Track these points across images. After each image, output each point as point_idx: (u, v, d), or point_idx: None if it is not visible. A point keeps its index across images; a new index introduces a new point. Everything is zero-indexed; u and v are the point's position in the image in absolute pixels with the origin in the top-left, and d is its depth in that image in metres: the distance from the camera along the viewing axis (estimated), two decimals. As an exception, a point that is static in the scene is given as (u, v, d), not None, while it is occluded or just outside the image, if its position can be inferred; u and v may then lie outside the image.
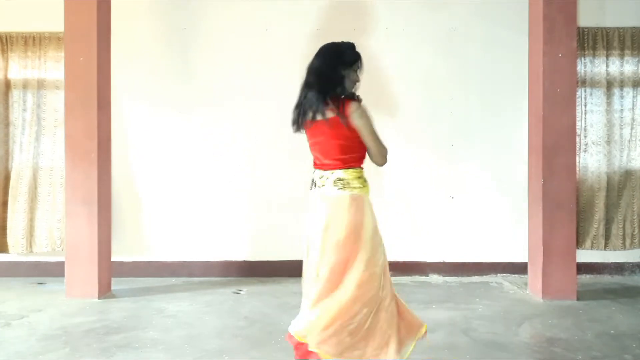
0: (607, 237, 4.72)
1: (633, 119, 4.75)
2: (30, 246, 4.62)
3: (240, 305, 3.98)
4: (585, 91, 4.73)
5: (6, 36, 4.64)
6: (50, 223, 4.63)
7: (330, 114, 2.47)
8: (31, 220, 4.62)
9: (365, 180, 2.55)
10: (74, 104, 4.07)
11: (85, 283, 4.06)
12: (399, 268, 4.61)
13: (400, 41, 4.77)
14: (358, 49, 2.72)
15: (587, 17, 4.71)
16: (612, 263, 4.82)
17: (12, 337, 3.31)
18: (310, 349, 2.33)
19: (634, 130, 4.75)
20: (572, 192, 4.10)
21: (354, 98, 2.56)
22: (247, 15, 4.76)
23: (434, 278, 4.75)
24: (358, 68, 2.61)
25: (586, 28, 4.71)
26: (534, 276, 4.17)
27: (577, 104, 4.28)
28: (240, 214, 4.77)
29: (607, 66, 4.73)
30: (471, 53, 4.79)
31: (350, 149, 2.51)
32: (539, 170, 4.08)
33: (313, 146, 2.58)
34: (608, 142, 4.73)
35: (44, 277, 4.66)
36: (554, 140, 4.05)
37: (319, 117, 2.50)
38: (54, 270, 4.60)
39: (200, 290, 4.37)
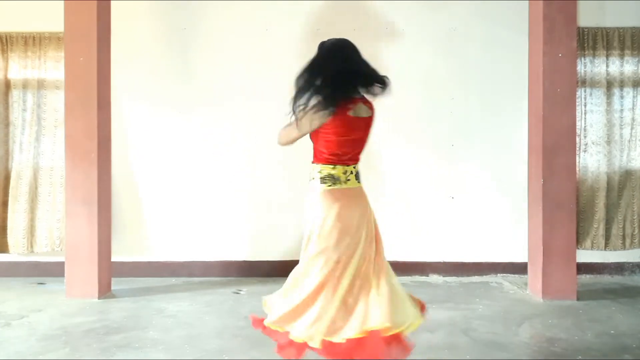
0: (607, 237, 4.72)
1: (633, 119, 4.75)
2: (31, 246, 4.62)
3: (240, 305, 3.98)
4: (585, 91, 4.73)
5: (6, 36, 4.64)
6: (50, 223, 4.63)
7: (370, 112, 2.62)
8: (32, 220, 4.62)
9: None
10: (74, 104, 4.07)
11: (85, 283, 4.06)
12: (399, 268, 4.58)
13: (400, 41, 4.77)
14: (358, 49, 2.79)
15: (587, 17, 4.71)
16: (612, 263, 4.82)
17: (12, 337, 3.31)
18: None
19: (634, 130, 4.75)
20: (572, 192, 4.10)
21: None
22: (247, 15, 4.76)
23: (434, 278, 4.75)
24: None
25: (586, 28, 4.71)
26: (534, 276, 4.17)
27: (577, 104, 4.28)
28: (240, 214, 4.77)
29: (607, 66, 4.73)
30: (471, 53, 4.79)
31: None
32: (539, 170, 4.08)
33: (345, 141, 2.51)
34: (608, 142, 4.73)
35: (44, 277, 4.66)
36: (554, 140, 4.05)
37: (364, 114, 2.57)
38: (54, 270, 4.60)
39: (200, 290, 4.37)
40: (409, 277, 4.72)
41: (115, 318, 3.66)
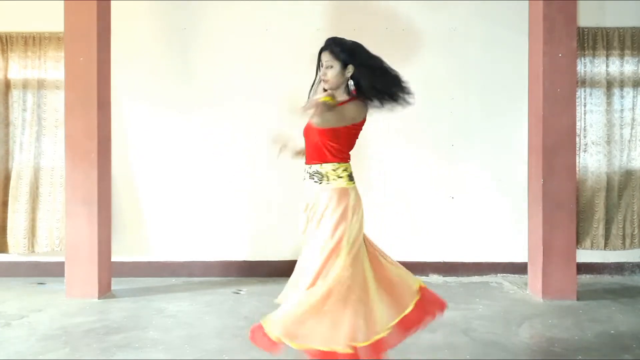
0: (607, 237, 4.72)
1: (633, 119, 4.75)
2: (32, 246, 4.62)
3: (240, 305, 3.98)
4: (585, 91, 4.73)
5: (6, 36, 4.64)
6: (50, 223, 4.63)
7: None
8: (33, 220, 4.62)
9: None
10: (74, 104, 4.07)
11: (85, 283, 4.06)
12: (399, 268, 4.60)
13: (400, 41, 4.77)
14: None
15: (587, 17, 4.71)
16: (612, 263, 4.82)
17: (12, 337, 3.31)
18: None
19: (634, 130, 4.75)
20: (572, 192, 4.10)
21: None
22: (247, 15, 4.76)
23: (434, 278, 4.75)
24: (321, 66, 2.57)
25: (586, 28, 4.71)
26: (534, 276, 4.17)
27: (577, 104, 4.28)
28: (240, 214, 4.77)
29: (607, 66, 4.73)
30: (471, 53, 4.79)
31: None
32: (539, 170, 4.08)
33: (355, 140, 2.58)
34: (608, 142, 4.73)
35: (44, 277, 4.66)
36: (554, 140, 4.05)
37: None
38: (54, 270, 4.60)
39: (200, 290, 4.37)
40: (409, 277, 4.71)
41: (115, 318, 3.66)
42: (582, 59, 4.71)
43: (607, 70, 4.73)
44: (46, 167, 4.66)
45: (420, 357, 2.99)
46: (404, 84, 2.68)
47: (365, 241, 2.54)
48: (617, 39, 4.72)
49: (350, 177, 2.50)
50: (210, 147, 4.77)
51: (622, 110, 4.75)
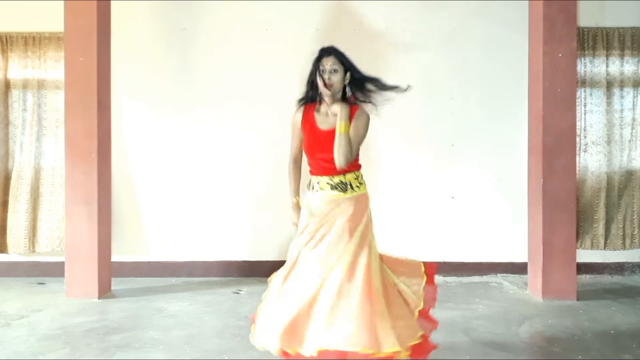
0: (607, 237, 4.72)
1: (633, 119, 4.75)
2: (33, 246, 4.62)
3: (240, 305, 3.98)
4: (585, 91, 4.73)
5: (6, 36, 4.64)
6: (51, 223, 4.64)
7: None
8: (33, 220, 4.62)
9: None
10: (74, 104, 4.07)
11: (85, 283, 4.06)
12: (399, 268, 4.60)
13: (400, 41, 4.77)
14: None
15: (587, 17, 4.71)
16: (612, 263, 4.83)
17: (12, 337, 3.31)
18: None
19: (634, 130, 4.75)
20: (572, 192, 4.10)
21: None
22: (247, 15, 4.76)
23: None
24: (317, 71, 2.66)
25: (586, 28, 4.71)
26: (534, 276, 4.17)
27: (577, 104, 4.29)
28: (240, 214, 4.77)
29: (607, 66, 4.73)
30: (471, 53, 4.79)
31: None
32: (539, 170, 4.08)
33: None
34: (608, 142, 4.73)
35: (44, 277, 4.66)
36: (554, 141, 4.05)
37: None
38: (54, 270, 4.60)
39: (200, 290, 4.37)
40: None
41: (115, 318, 3.66)
42: (582, 59, 4.71)
43: (607, 70, 4.73)
44: (47, 167, 4.67)
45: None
46: (385, 83, 2.82)
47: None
48: (617, 39, 4.73)
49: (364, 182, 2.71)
50: (210, 147, 4.77)
51: (622, 110, 4.75)
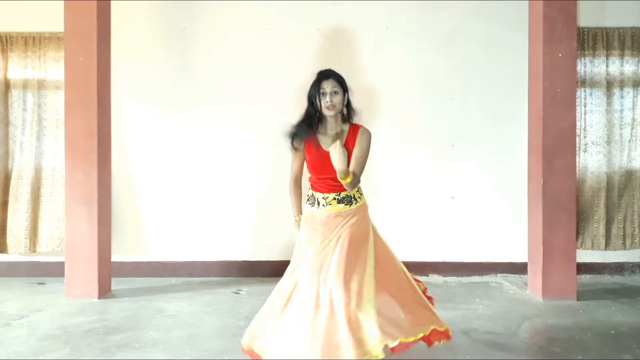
0: (607, 237, 4.72)
1: (633, 119, 4.75)
2: (34, 246, 4.62)
3: (240, 305, 3.98)
4: (585, 91, 4.73)
5: (6, 36, 4.64)
6: (51, 223, 4.64)
7: None
8: (34, 220, 4.62)
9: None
10: (74, 104, 4.07)
11: (85, 283, 4.06)
12: (399, 268, 4.60)
13: (400, 41, 4.77)
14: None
15: (587, 17, 4.71)
16: (612, 263, 4.83)
17: (12, 337, 3.31)
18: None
19: (634, 130, 4.75)
20: (572, 192, 4.10)
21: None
22: (247, 15, 4.76)
23: (434, 278, 4.75)
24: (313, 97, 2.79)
25: (586, 28, 4.72)
26: (534, 276, 4.17)
27: (577, 104, 4.29)
28: (240, 214, 4.77)
29: (607, 66, 4.73)
30: (471, 53, 4.79)
31: None
32: (539, 170, 4.08)
33: None
34: (608, 142, 4.73)
35: (44, 277, 4.66)
36: (554, 141, 4.05)
37: None
38: (54, 270, 4.60)
39: (200, 290, 4.37)
40: (409, 277, 4.72)
41: (115, 318, 3.66)
42: (582, 59, 4.71)
43: (607, 70, 4.73)
44: (47, 167, 4.67)
45: (420, 357, 2.99)
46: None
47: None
48: (617, 39, 4.73)
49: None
50: (210, 147, 4.77)
51: (622, 110, 4.75)
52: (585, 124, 4.74)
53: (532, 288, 4.22)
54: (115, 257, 4.43)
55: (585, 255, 4.71)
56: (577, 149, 4.58)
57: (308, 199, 2.85)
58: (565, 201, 4.06)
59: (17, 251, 4.62)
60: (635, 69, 4.76)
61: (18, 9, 4.67)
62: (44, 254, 4.68)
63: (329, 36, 4.71)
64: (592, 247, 4.71)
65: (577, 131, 4.57)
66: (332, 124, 2.78)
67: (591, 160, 4.74)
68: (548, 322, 3.60)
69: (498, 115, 4.78)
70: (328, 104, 2.71)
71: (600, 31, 4.72)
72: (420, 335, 2.67)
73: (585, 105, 4.73)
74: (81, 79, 4.06)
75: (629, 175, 4.75)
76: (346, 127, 2.79)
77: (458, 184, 4.80)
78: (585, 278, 4.70)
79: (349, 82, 2.91)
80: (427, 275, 4.76)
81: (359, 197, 2.80)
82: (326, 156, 2.66)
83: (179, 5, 4.75)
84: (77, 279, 4.07)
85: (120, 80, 4.65)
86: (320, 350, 2.38)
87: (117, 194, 4.62)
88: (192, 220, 4.76)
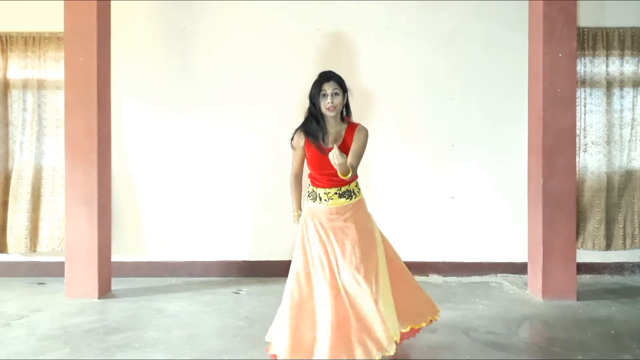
0: (607, 237, 4.72)
1: (633, 119, 4.75)
2: (34, 246, 4.62)
3: (240, 305, 3.98)
4: (585, 91, 4.73)
5: (6, 36, 4.64)
6: (52, 223, 4.64)
7: None
8: (35, 220, 4.62)
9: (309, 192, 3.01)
10: (74, 104, 4.07)
11: (85, 283, 4.06)
12: (399, 268, 4.60)
13: (400, 41, 4.77)
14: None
15: (587, 17, 4.71)
16: (612, 263, 4.83)
17: (12, 337, 3.31)
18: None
19: (634, 130, 4.75)
20: (572, 192, 4.10)
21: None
22: (247, 15, 4.76)
23: (434, 278, 4.75)
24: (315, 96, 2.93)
25: (586, 28, 4.72)
26: (534, 276, 4.17)
27: (577, 104, 4.29)
28: (240, 214, 4.77)
29: (607, 66, 4.73)
30: (471, 53, 4.79)
31: None
32: (539, 170, 4.08)
33: None
34: (608, 142, 4.73)
35: (44, 277, 4.66)
36: (554, 141, 4.05)
37: None
38: (54, 270, 4.60)
39: (200, 290, 4.37)
40: (409, 277, 4.72)
41: (115, 318, 3.67)
42: (582, 59, 4.71)
43: (607, 70, 4.72)
44: (47, 167, 4.67)
45: (420, 357, 2.99)
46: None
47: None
48: (617, 39, 4.72)
49: None
50: (210, 147, 4.77)
51: (622, 110, 4.75)
52: (585, 124, 4.74)
53: (532, 288, 4.22)
54: (115, 257, 4.43)
55: (585, 255, 4.71)
56: (577, 149, 4.58)
57: (309, 195, 2.97)
58: (565, 201, 4.06)
59: (17, 251, 4.62)
60: (635, 69, 4.76)
61: (18, 9, 4.67)
62: (44, 254, 4.68)
63: (329, 36, 4.72)
64: (594, 248, 4.71)
65: (577, 131, 4.57)
66: (332, 123, 2.92)
67: (591, 160, 4.74)
68: (548, 322, 3.60)
69: (498, 115, 4.78)
70: (329, 105, 2.85)
71: (600, 31, 4.72)
72: (424, 324, 3.00)
73: (585, 105, 4.73)
74: (81, 79, 4.06)
75: (629, 175, 4.75)
76: (345, 126, 2.94)
77: (458, 184, 4.80)
78: (585, 278, 4.70)
79: (348, 82, 3.01)
80: (427, 275, 4.76)
81: (357, 192, 2.96)
82: (326, 153, 2.80)
83: (179, 5, 4.75)
84: (77, 279, 4.07)
85: (120, 80, 4.65)
86: (348, 336, 2.60)
87: (117, 194, 4.62)
88: (192, 220, 4.76)
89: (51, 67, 4.65)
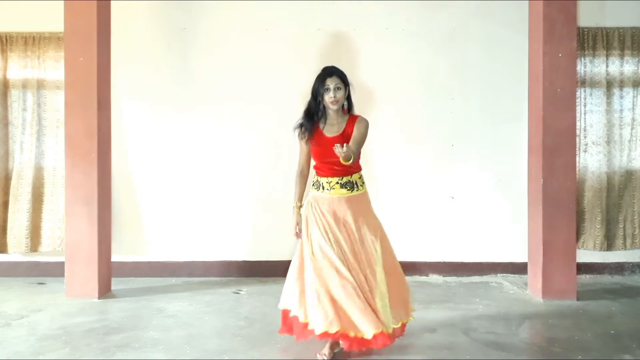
0: (607, 237, 4.71)
1: (633, 119, 4.75)
2: (35, 246, 4.62)
3: (240, 305, 3.98)
4: (585, 91, 4.73)
5: (6, 36, 4.64)
6: (52, 223, 4.64)
7: None
8: (35, 220, 4.62)
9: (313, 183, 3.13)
10: (74, 104, 4.07)
11: (85, 283, 4.06)
12: (399, 268, 4.60)
13: (400, 41, 4.77)
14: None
15: (587, 17, 4.71)
16: (612, 263, 4.83)
17: (12, 337, 3.31)
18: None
19: (634, 130, 4.75)
20: (572, 192, 4.10)
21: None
22: (247, 15, 4.76)
23: (434, 278, 4.75)
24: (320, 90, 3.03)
25: (586, 28, 4.72)
26: (534, 276, 4.17)
27: (577, 104, 4.29)
28: (240, 214, 4.77)
29: (607, 66, 4.73)
30: (471, 53, 4.79)
31: None
32: (539, 170, 4.08)
33: None
34: (608, 142, 4.73)
35: (44, 277, 4.66)
36: (554, 140, 4.05)
37: None
38: (54, 270, 4.60)
39: (200, 290, 4.37)
40: (409, 277, 4.68)
41: (115, 318, 3.67)
42: (582, 59, 4.71)
43: (607, 70, 4.72)
44: (48, 167, 4.67)
45: (420, 357, 2.99)
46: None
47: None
48: (617, 39, 4.72)
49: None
50: (210, 147, 4.77)
51: (622, 110, 4.75)
52: (585, 124, 4.74)
53: (532, 288, 4.22)
54: (115, 257, 4.43)
55: (585, 255, 4.71)
56: (577, 149, 4.58)
57: (314, 184, 3.09)
58: (565, 201, 4.06)
59: (17, 251, 4.62)
60: (635, 69, 4.76)
61: (18, 9, 4.67)
62: (44, 254, 4.68)
63: (329, 36, 4.72)
64: (594, 248, 4.71)
65: (577, 131, 4.57)
66: (334, 116, 3.04)
67: (591, 160, 4.74)
68: (548, 322, 3.60)
69: (498, 115, 4.78)
70: (332, 99, 2.97)
71: (600, 31, 4.72)
72: (406, 320, 3.06)
73: (585, 105, 4.73)
74: (81, 79, 4.05)
75: (629, 175, 4.75)
76: (346, 118, 3.06)
77: (458, 184, 4.80)
78: (585, 278, 4.70)
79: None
80: (427, 275, 4.76)
81: (361, 185, 3.04)
82: (328, 142, 2.93)
83: (179, 5, 4.75)
84: (77, 279, 4.07)
85: (120, 80, 4.65)
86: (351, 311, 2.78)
87: (117, 194, 4.62)
88: (192, 220, 4.76)
89: (51, 67, 4.65)
